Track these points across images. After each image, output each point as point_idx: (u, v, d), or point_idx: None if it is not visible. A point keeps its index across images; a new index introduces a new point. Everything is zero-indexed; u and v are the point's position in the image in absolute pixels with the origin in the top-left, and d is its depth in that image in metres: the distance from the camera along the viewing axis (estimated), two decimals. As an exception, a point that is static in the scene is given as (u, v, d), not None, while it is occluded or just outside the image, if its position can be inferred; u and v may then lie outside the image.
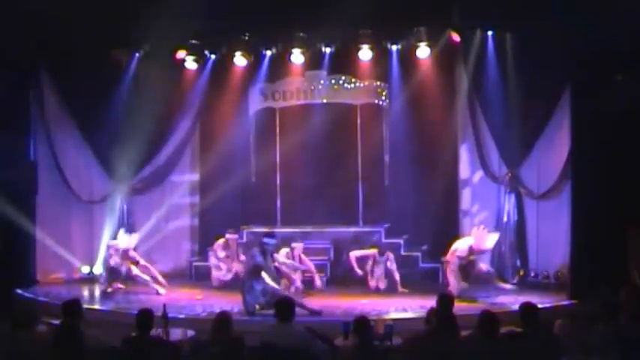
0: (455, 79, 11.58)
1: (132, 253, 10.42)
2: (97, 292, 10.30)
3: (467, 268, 9.47)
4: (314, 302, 9.29)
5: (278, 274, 9.59)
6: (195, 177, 12.77)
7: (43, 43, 10.48)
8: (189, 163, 12.73)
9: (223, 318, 5.47)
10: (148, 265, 10.48)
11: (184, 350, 5.46)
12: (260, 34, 11.08)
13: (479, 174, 11.32)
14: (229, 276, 10.63)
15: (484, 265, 9.89)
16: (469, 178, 11.60)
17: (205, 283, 10.74)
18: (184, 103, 11.94)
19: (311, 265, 10.30)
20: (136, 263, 10.37)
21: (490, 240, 9.55)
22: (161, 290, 10.11)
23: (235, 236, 10.89)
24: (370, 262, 10.32)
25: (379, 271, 10.28)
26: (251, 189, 12.45)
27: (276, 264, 9.65)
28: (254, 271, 8.68)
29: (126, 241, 10.45)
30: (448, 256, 9.59)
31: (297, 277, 10.05)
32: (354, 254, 10.43)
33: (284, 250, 10.13)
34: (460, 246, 9.51)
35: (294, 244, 10.28)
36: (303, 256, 10.29)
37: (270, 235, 9.31)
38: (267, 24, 10.36)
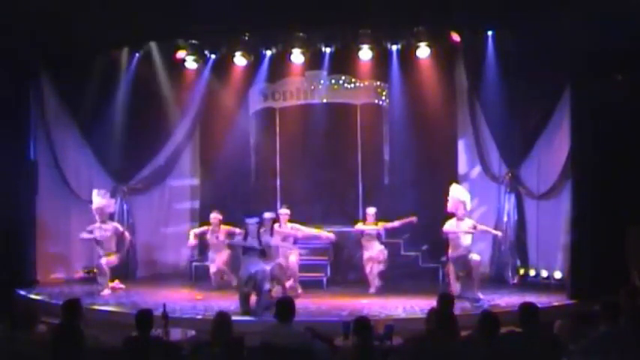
0: (455, 79, 11.60)
1: (108, 210, 10.48)
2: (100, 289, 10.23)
3: (463, 260, 9.39)
4: (315, 303, 9.30)
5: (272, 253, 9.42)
6: (196, 182, 12.77)
7: (43, 43, 10.48)
8: (189, 167, 12.74)
9: (223, 318, 5.46)
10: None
11: (184, 350, 5.45)
12: (260, 34, 11.10)
13: (477, 169, 11.33)
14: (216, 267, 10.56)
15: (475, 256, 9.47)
16: (467, 172, 11.67)
17: (205, 283, 10.73)
18: (184, 103, 11.95)
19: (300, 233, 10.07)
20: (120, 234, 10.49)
21: (461, 192, 9.53)
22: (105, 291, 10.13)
23: (219, 216, 10.67)
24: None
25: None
26: (251, 189, 12.45)
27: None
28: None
29: (99, 201, 10.42)
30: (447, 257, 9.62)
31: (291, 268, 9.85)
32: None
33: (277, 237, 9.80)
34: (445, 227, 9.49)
35: (280, 211, 10.18)
36: (291, 226, 10.05)
37: (251, 215, 9.18)
38: (267, 24, 10.36)
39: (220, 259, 10.52)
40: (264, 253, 9.00)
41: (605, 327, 5.16)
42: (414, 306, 8.92)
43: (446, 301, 6.19)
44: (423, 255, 11.18)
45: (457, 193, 9.54)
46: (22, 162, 10.92)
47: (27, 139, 11.01)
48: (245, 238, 8.94)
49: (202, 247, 12.22)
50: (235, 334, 5.37)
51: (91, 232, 10.40)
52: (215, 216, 10.66)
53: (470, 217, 9.60)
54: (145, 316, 5.40)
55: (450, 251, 9.48)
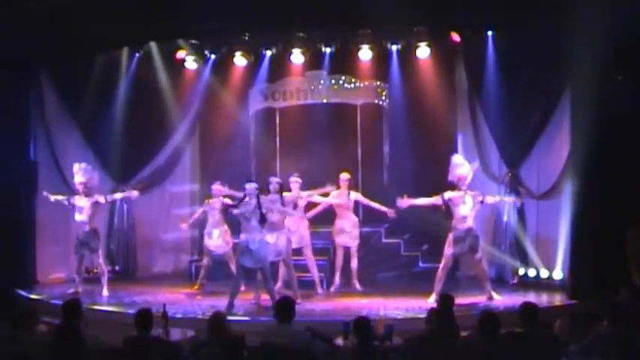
0: (455, 79, 11.59)
1: (91, 184, 10.05)
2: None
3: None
4: (316, 303, 9.29)
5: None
6: (195, 187, 12.72)
7: (43, 43, 10.48)
8: (189, 171, 12.70)
9: (217, 318, 5.46)
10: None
11: (184, 350, 5.45)
12: (260, 34, 11.09)
13: (475, 164, 11.32)
14: (225, 248, 10.37)
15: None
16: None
17: (205, 283, 10.71)
18: (184, 103, 11.95)
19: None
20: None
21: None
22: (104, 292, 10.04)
23: (221, 188, 10.25)
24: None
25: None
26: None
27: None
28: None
29: (81, 174, 10.00)
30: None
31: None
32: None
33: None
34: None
35: (291, 179, 9.78)
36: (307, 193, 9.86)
37: (249, 180, 8.84)
38: (267, 24, 10.36)
39: (217, 234, 10.30)
40: (264, 218, 8.56)
41: (605, 327, 5.17)
42: (414, 306, 8.92)
43: (446, 301, 6.20)
44: (422, 255, 11.16)
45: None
46: (22, 162, 10.93)
47: (27, 139, 11.01)
48: (241, 201, 8.54)
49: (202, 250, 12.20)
50: (235, 334, 5.37)
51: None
52: (217, 187, 10.32)
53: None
54: (145, 316, 5.40)
55: None
